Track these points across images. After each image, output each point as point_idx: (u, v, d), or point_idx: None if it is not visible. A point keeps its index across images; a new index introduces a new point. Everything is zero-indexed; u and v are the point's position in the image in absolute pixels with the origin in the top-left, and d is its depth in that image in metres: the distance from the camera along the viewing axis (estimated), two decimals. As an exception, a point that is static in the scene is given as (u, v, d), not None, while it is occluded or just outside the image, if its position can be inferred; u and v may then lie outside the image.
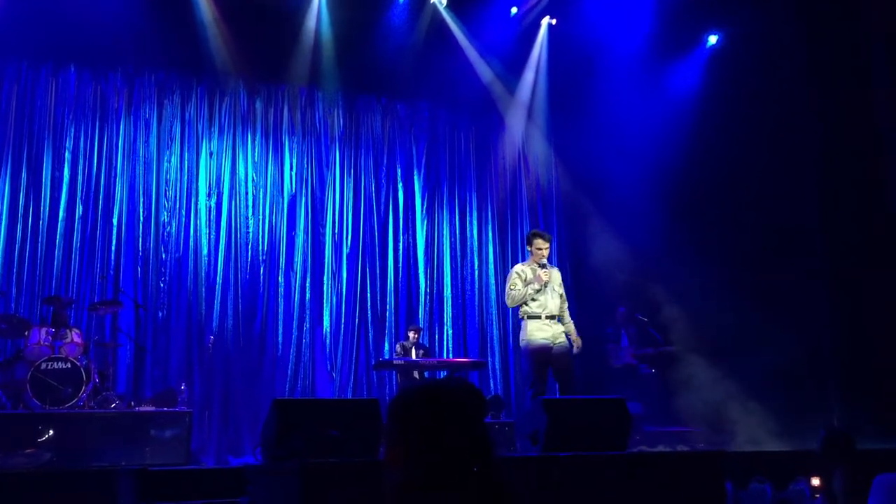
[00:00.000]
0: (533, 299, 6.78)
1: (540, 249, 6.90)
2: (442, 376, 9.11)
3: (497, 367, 10.79)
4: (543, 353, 6.70)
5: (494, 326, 10.96)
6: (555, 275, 7.00)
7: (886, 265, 9.16)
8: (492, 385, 10.63)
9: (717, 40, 11.00)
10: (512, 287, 6.85)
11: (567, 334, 6.90)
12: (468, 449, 2.04)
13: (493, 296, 11.05)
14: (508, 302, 6.97)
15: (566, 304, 7.05)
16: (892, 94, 9.29)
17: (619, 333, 10.45)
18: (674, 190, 10.09)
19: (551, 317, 6.81)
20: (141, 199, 9.57)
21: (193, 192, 9.81)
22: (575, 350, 6.93)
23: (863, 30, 9.49)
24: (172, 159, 9.81)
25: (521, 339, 6.95)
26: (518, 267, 7.02)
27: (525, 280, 6.82)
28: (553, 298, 6.84)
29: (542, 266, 6.87)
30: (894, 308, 9.16)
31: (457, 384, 2.19)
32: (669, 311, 9.61)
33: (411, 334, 9.75)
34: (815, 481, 5.67)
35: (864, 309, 9.24)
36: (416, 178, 11.04)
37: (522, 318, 6.86)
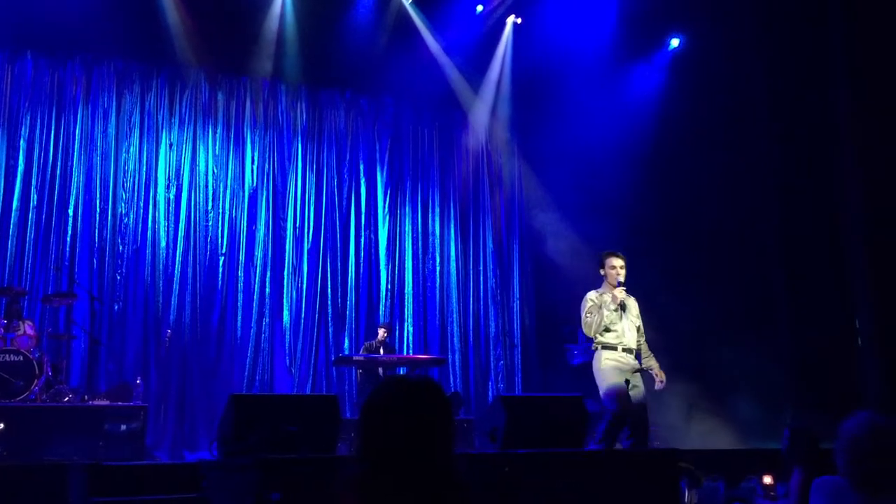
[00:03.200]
0: (608, 329, 6.14)
1: (614, 268, 6.27)
2: (402, 373, 9.10)
3: (457, 363, 10.82)
4: (622, 384, 5.98)
5: (455, 323, 10.98)
6: (632, 304, 6.34)
7: (841, 265, 9.36)
8: (451, 382, 10.66)
9: (679, 43, 11.12)
10: (588, 314, 6.20)
11: (649, 369, 6.30)
12: (430, 446, 2.09)
13: (454, 293, 11.06)
14: (587, 331, 6.24)
15: (643, 338, 6.42)
16: (849, 95, 9.47)
17: (576, 332, 10.52)
18: (635, 190, 10.18)
19: (628, 350, 6.16)
20: (98, 190, 9.41)
21: (152, 184, 9.67)
22: (658, 386, 6.28)
23: (821, 31, 9.66)
24: (131, 150, 9.66)
25: (595, 370, 6.22)
26: (590, 294, 6.32)
27: (597, 305, 6.20)
28: (630, 330, 6.22)
29: (619, 286, 6.24)
30: (850, 308, 9.36)
31: (422, 382, 2.22)
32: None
33: (381, 332, 9.66)
34: (767, 479, 5.76)
35: (820, 308, 9.41)
36: (378, 173, 11.01)
37: (596, 348, 6.22)
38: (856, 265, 9.41)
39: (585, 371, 9.99)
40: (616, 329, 6.15)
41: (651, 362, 6.34)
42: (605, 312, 6.12)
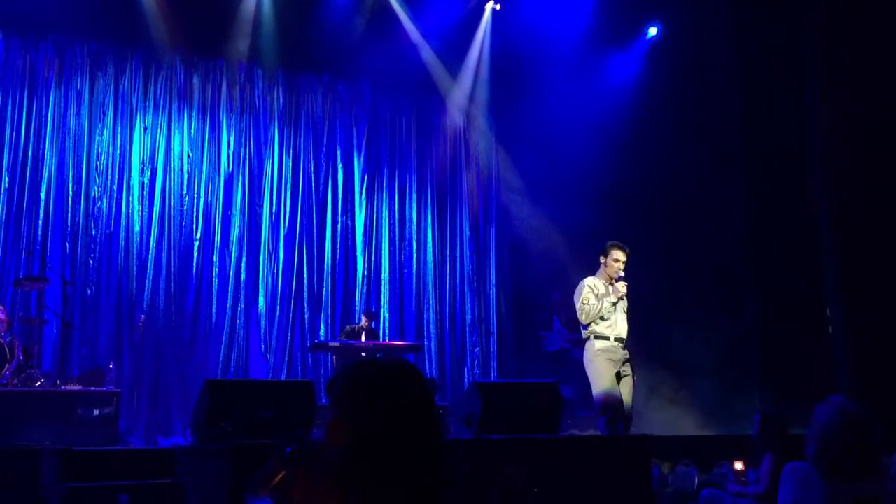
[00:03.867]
0: (602, 318, 6.11)
1: (617, 262, 6.22)
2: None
3: (433, 350, 10.84)
4: (613, 375, 6.03)
5: (431, 310, 10.99)
6: (625, 292, 6.27)
7: (812, 250, 9.48)
8: (427, 368, 10.68)
9: (657, 32, 11.16)
10: (585, 301, 6.15)
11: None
12: (421, 429, 2.01)
13: (430, 279, 11.07)
14: (583, 318, 6.17)
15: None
16: (819, 82, 9.57)
17: (551, 319, 10.58)
18: (611, 177, 10.23)
19: (620, 339, 6.15)
20: (71, 173, 9.29)
21: (126, 168, 9.56)
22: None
23: (794, 21, 9.75)
24: (105, 133, 9.54)
25: (586, 360, 6.19)
26: (589, 280, 6.27)
27: (598, 294, 6.17)
28: (622, 320, 6.21)
29: (619, 280, 6.21)
30: (821, 294, 9.48)
31: (408, 366, 2.16)
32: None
33: (364, 320, 9.65)
34: (738, 465, 5.84)
35: (790, 294, 9.53)
36: (356, 159, 10.96)
37: (588, 337, 6.19)
38: (827, 250, 9.53)
39: (560, 358, 10.14)
40: (609, 319, 6.13)
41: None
42: (606, 304, 6.09)
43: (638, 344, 6.23)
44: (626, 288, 6.16)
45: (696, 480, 6.57)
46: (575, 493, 4.79)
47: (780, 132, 9.81)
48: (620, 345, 6.13)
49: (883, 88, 8.70)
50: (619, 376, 6.06)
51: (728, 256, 10.19)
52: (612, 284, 6.21)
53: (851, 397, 3.35)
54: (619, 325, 6.16)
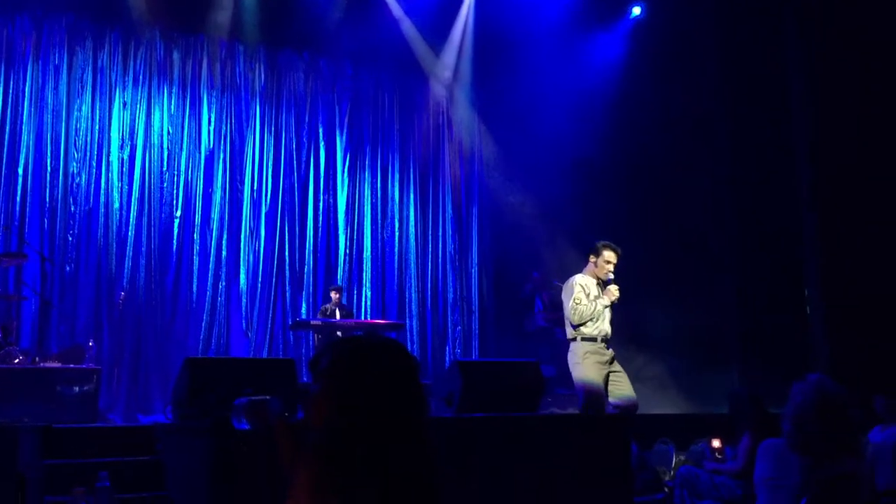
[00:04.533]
0: (590, 318, 5.96)
1: (608, 263, 6.04)
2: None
3: (415, 328, 10.86)
4: (600, 375, 5.93)
5: (413, 288, 11.00)
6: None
7: (788, 233, 9.55)
8: (409, 346, 10.65)
9: (641, 12, 11.14)
10: (577, 301, 5.95)
11: None
12: (406, 407, 2.00)
13: (412, 258, 11.07)
14: (575, 319, 5.98)
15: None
16: (804, 66, 9.62)
17: (533, 298, 10.62)
18: (593, 156, 10.24)
19: (606, 340, 6.04)
20: (49, 149, 9.18)
21: (105, 144, 9.46)
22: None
23: (777, 5, 9.76)
24: (83, 108, 9.42)
25: (572, 362, 6.05)
26: (579, 278, 6.08)
27: (589, 294, 5.99)
28: (608, 320, 6.08)
29: (609, 282, 6.04)
30: (799, 275, 9.57)
31: (394, 344, 2.15)
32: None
33: (333, 295, 9.64)
34: (716, 442, 5.91)
35: (767, 276, 9.62)
36: (338, 137, 10.91)
37: (573, 339, 6.04)
38: (807, 231, 9.62)
39: (541, 336, 10.19)
40: (598, 319, 6.00)
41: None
42: (599, 307, 5.95)
43: (617, 323, 6.23)
44: (619, 292, 6.01)
45: (674, 458, 6.65)
46: (554, 470, 4.83)
47: (764, 113, 9.85)
48: (606, 345, 6.02)
49: (867, 69, 8.75)
50: (609, 376, 5.94)
51: (709, 236, 10.25)
52: (601, 285, 6.06)
53: (828, 376, 3.38)
54: (605, 324, 6.04)
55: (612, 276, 6.05)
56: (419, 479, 1.96)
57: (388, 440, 1.94)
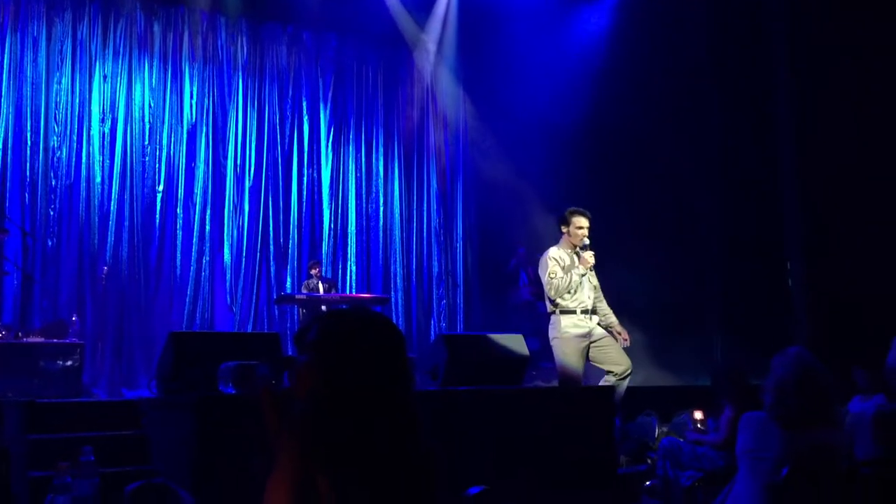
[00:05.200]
0: (568, 291, 5.91)
1: (581, 229, 5.98)
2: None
3: (400, 302, 10.88)
4: (578, 354, 5.94)
5: (398, 263, 11.01)
6: (595, 285, 6.09)
7: (776, 204, 9.61)
8: (394, 320, 10.70)
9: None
10: (552, 276, 5.92)
11: (609, 327, 6.14)
12: (392, 380, 2.00)
13: (397, 232, 11.07)
14: (552, 293, 5.95)
15: (601, 293, 6.21)
16: (789, 46, 9.61)
17: (518, 273, 10.66)
18: (578, 131, 10.22)
19: (586, 311, 5.98)
20: (29, 122, 9.05)
21: (86, 117, 9.34)
22: (623, 344, 6.10)
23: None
24: (63, 81, 9.29)
25: (551, 336, 6.04)
26: (553, 251, 6.05)
27: (564, 266, 5.95)
28: (588, 289, 6.02)
29: (584, 248, 6.01)
30: (778, 249, 9.63)
31: (382, 317, 2.15)
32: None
33: (313, 271, 9.62)
34: (698, 414, 5.97)
35: (750, 249, 9.67)
36: (322, 111, 10.83)
37: (552, 312, 6.02)
38: (788, 203, 9.68)
39: (525, 310, 10.23)
40: (576, 291, 5.96)
41: (611, 319, 6.17)
42: (574, 277, 5.91)
43: (612, 295, 6.25)
44: (594, 258, 5.98)
45: (657, 430, 6.72)
46: (539, 443, 4.87)
47: (750, 85, 9.86)
48: (587, 317, 5.99)
49: (851, 41, 8.75)
50: (591, 348, 5.93)
51: (692, 209, 10.27)
52: (577, 254, 6.02)
53: (809, 349, 3.42)
54: (584, 295, 6.00)
55: (587, 241, 6.01)
56: (405, 452, 1.97)
57: (373, 413, 1.95)
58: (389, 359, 2.01)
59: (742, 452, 3.42)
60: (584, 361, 5.98)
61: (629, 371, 5.97)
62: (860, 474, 2.85)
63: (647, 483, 5.93)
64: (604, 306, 6.20)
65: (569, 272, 5.93)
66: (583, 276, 5.99)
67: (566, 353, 5.95)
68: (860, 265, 8.74)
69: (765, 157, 9.73)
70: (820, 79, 9.06)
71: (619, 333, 6.14)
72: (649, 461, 6.21)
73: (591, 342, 5.98)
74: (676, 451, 5.69)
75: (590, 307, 6.03)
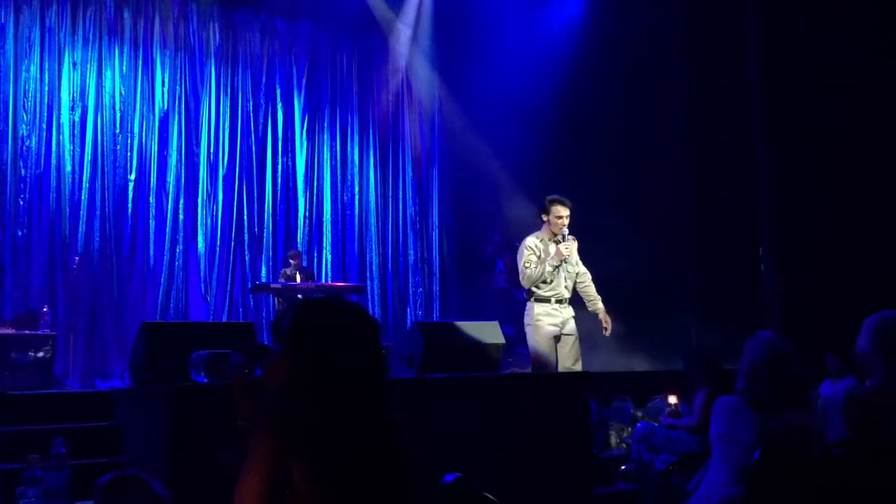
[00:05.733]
0: (543, 281, 5.94)
1: (560, 218, 5.94)
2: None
3: (376, 291, 10.86)
4: (550, 341, 6.00)
5: (374, 251, 10.99)
6: (572, 249, 6.06)
7: (745, 192, 9.69)
8: (370, 309, 10.70)
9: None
10: (526, 265, 5.92)
11: (595, 312, 6.20)
12: (366, 369, 2.01)
13: (372, 221, 11.04)
14: (525, 283, 5.99)
15: (588, 277, 6.20)
16: (764, 30, 9.67)
17: (494, 260, 10.67)
18: (554, 114, 10.21)
19: (561, 301, 6.02)
20: (-4, 111, 8.92)
21: (55, 105, 9.20)
22: (606, 332, 6.18)
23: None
24: (31, 69, 9.13)
25: (525, 322, 6.10)
26: (530, 240, 6.05)
27: (540, 256, 5.96)
28: (566, 280, 6.02)
29: (563, 238, 6.00)
30: (753, 236, 9.71)
31: (356, 305, 2.15)
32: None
33: (292, 260, 9.58)
34: (672, 399, 6.02)
35: (724, 236, 9.75)
36: (296, 98, 10.76)
37: (528, 298, 6.06)
38: (763, 192, 9.75)
39: (502, 298, 10.24)
40: (552, 281, 5.97)
41: (597, 305, 6.17)
42: (548, 268, 5.91)
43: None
44: (568, 250, 5.94)
45: (632, 414, 6.78)
46: (515, 429, 4.89)
47: (720, 69, 9.91)
48: (562, 305, 6.00)
49: (823, 24, 8.81)
50: (559, 338, 5.99)
51: (667, 196, 10.32)
52: (556, 243, 6.01)
53: (782, 334, 3.46)
54: (561, 286, 6.00)
55: (566, 230, 6.00)
56: (379, 441, 1.97)
57: (347, 400, 1.94)
58: (363, 347, 2.02)
59: (715, 437, 3.45)
60: (554, 354, 6.02)
61: None
62: (831, 456, 2.89)
63: (623, 467, 5.99)
64: (591, 292, 6.22)
65: (543, 262, 5.93)
66: (556, 267, 5.98)
67: (538, 341, 6.01)
68: (832, 251, 8.84)
69: (738, 140, 9.80)
70: (794, 64, 9.12)
71: (603, 321, 6.17)
72: (625, 445, 6.26)
73: (562, 333, 6.02)
74: (651, 435, 5.75)
75: (566, 297, 6.06)
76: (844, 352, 5.70)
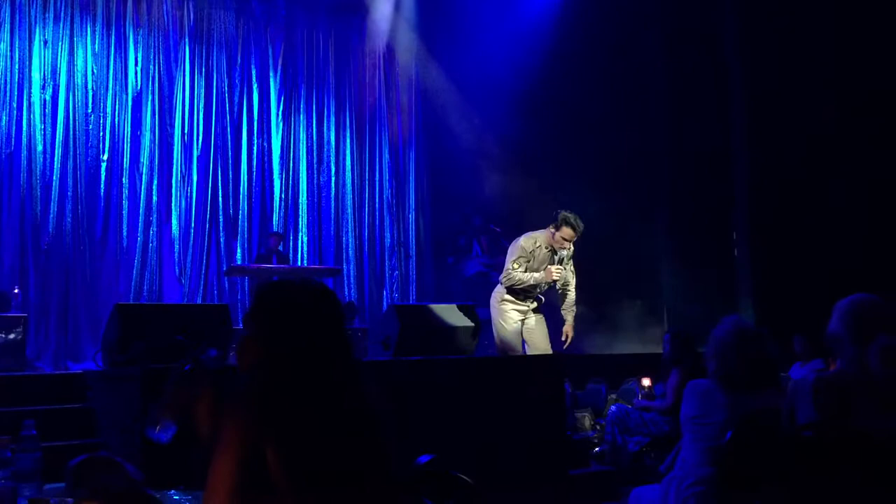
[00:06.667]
0: (519, 287, 5.86)
1: (565, 240, 5.82)
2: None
3: (352, 273, 10.83)
4: (516, 325, 5.95)
5: (350, 234, 10.94)
6: (569, 277, 6.03)
7: (724, 177, 9.77)
8: (346, 292, 10.68)
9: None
10: (514, 266, 5.81)
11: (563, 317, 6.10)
12: (332, 348, 2.02)
13: (349, 203, 10.99)
14: (504, 281, 5.89)
15: (573, 285, 6.07)
16: (738, 20, 9.74)
17: (471, 243, 10.68)
18: (530, 98, 10.18)
19: (529, 297, 5.97)
20: (-35, 90, 8.76)
21: (26, 84, 9.05)
22: (565, 344, 6.05)
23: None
24: (1, 46, 8.97)
25: (492, 303, 6.04)
26: (526, 242, 5.88)
27: (530, 262, 5.83)
28: (545, 288, 5.96)
29: (560, 261, 5.91)
30: (726, 223, 9.80)
31: (320, 285, 2.15)
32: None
33: (273, 242, 9.58)
34: (645, 381, 6.08)
35: (698, 223, 9.82)
36: (271, 79, 10.65)
37: (500, 281, 6.02)
38: (738, 180, 9.84)
39: (478, 281, 10.26)
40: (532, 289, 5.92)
41: (569, 316, 6.08)
42: (532, 281, 5.80)
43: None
44: (559, 275, 5.82)
45: (606, 397, 6.83)
46: (491, 411, 4.91)
47: (697, 52, 9.95)
48: (528, 301, 5.97)
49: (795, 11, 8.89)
50: (525, 322, 5.96)
51: (644, 182, 10.36)
52: (552, 253, 5.89)
53: (754, 319, 3.50)
54: (538, 291, 5.97)
55: (565, 252, 5.94)
56: (351, 416, 1.97)
57: (315, 380, 1.94)
58: (326, 326, 2.02)
59: (686, 419, 3.49)
60: (521, 343, 5.97)
61: None
62: (801, 438, 2.93)
63: (597, 449, 6.04)
64: (570, 299, 6.11)
65: (530, 271, 5.83)
66: (538, 282, 5.85)
67: (503, 324, 5.97)
68: (803, 236, 8.94)
69: (714, 128, 9.87)
70: (768, 55, 9.19)
71: (565, 332, 6.06)
72: (598, 427, 6.32)
73: (524, 319, 5.98)
74: (624, 416, 5.80)
75: (540, 299, 6.01)
76: (813, 334, 5.78)
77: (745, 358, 3.29)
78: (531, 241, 5.89)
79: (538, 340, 5.97)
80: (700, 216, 9.87)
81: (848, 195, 8.74)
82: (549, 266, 5.82)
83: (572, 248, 6.02)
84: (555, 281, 5.84)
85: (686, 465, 3.50)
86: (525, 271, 5.81)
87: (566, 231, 5.78)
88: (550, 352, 5.98)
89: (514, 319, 5.95)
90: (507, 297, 5.95)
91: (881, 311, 2.95)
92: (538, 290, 5.98)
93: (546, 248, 5.87)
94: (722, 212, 9.87)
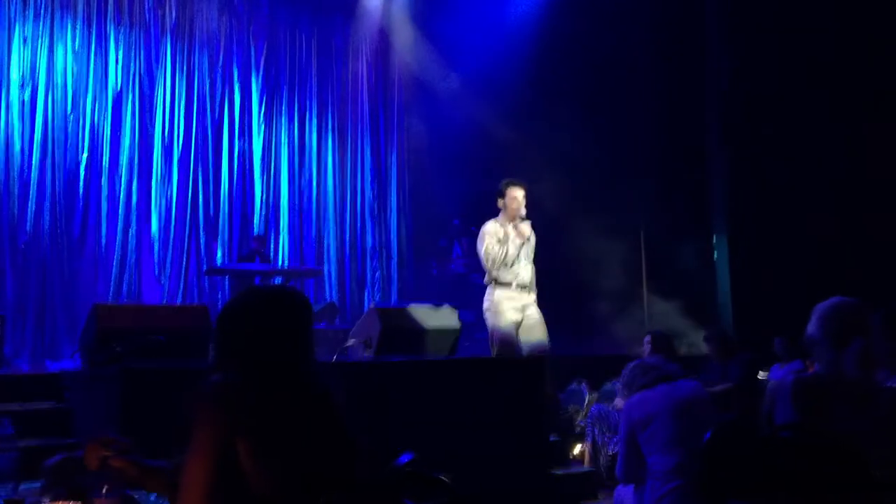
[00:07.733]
0: (505, 264, 5.87)
1: (516, 200, 5.87)
2: (277, 283, 9.01)
3: (333, 274, 10.81)
4: (512, 325, 5.92)
5: (332, 235, 10.92)
6: (531, 237, 6.04)
7: (701, 177, 9.84)
8: (327, 293, 10.66)
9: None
10: (488, 250, 5.87)
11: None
12: (295, 352, 2.09)
13: (330, 205, 10.96)
14: (489, 265, 5.89)
15: (534, 271, 6.12)
16: (720, 18, 9.83)
17: (451, 245, 10.69)
18: (513, 99, 10.18)
19: (523, 286, 5.94)
20: (-58, 87, 8.66)
21: (4, 82, 8.94)
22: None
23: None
24: (-22, 44, 8.89)
25: (484, 307, 6.00)
26: (489, 226, 5.97)
27: (500, 239, 5.90)
28: (525, 264, 5.97)
29: (522, 219, 5.95)
30: (705, 226, 9.87)
31: (289, 290, 2.22)
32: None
33: (255, 244, 9.55)
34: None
35: (678, 226, 9.87)
36: (254, 79, 10.60)
37: (489, 283, 5.97)
38: (718, 184, 9.92)
39: (459, 282, 10.27)
40: (513, 264, 5.91)
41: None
42: (511, 249, 5.87)
43: (544, 264, 6.25)
44: (530, 228, 5.93)
45: (587, 397, 6.85)
46: (472, 412, 4.91)
47: (684, 55, 10.01)
48: (523, 290, 5.95)
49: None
50: (521, 323, 5.93)
51: (627, 185, 10.38)
52: (515, 227, 5.95)
53: (734, 320, 3.53)
54: (522, 270, 5.96)
55: (523, 212, 5.97)
56: (318, 411, 2.03)
57: (281, 378, 2.01)
58: (288, 332, 2.09)
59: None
60: (518, 343, 5.94)
61: (543, 352, 5.95)
62: (779, 438, 2.95)
63: (578, 449, 6.06)
64: (532, 285, 6.12)
65: (504, 244, 5.88)
66: (521, 246, 5.92)
67: (499, 325, 5.94)
68: (783, 238, 9.02)
69: (695, 131, 9.94)
70: (754, 49, 9.27)
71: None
72: (580, 427, 6.33)
73: (523, 316, 5.97)
74: (605, 416, 5.82)
75: (527, 282, 5.99)
76: (793, 336, 5.83)
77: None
78: (492, 225, 6.00)
79: (540, 335, 5.95)
80: (682, 215, 9.91)
81: (828, 197, 8.83)
82: (518, 227, 5.92)
83: (533, 236, 6.02)
84: (528, 239, 5.95)
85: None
86: (501, 247, 5.90)
87: (513, 191, 5.92)
88: (547, 346, 5.95)
89: (511, 317, 5.90)
90: (500, 294, 5.91)
91: (859, 314, 2.97)
92: (525, 271, 5.97)
93: (509, 222, 5.95)
94: (703, 215, 9.93)
